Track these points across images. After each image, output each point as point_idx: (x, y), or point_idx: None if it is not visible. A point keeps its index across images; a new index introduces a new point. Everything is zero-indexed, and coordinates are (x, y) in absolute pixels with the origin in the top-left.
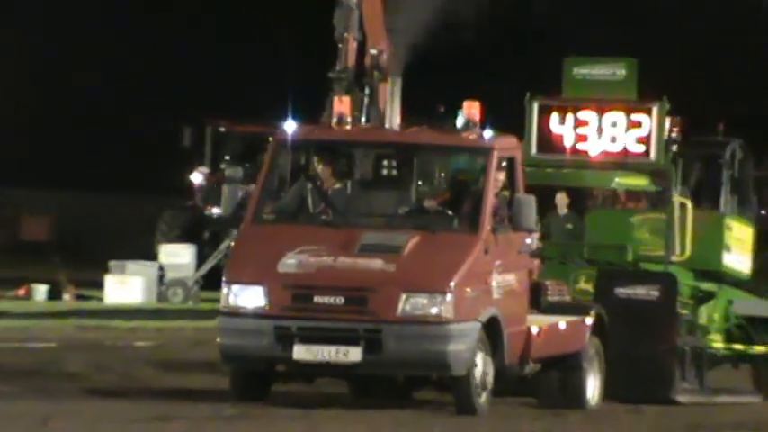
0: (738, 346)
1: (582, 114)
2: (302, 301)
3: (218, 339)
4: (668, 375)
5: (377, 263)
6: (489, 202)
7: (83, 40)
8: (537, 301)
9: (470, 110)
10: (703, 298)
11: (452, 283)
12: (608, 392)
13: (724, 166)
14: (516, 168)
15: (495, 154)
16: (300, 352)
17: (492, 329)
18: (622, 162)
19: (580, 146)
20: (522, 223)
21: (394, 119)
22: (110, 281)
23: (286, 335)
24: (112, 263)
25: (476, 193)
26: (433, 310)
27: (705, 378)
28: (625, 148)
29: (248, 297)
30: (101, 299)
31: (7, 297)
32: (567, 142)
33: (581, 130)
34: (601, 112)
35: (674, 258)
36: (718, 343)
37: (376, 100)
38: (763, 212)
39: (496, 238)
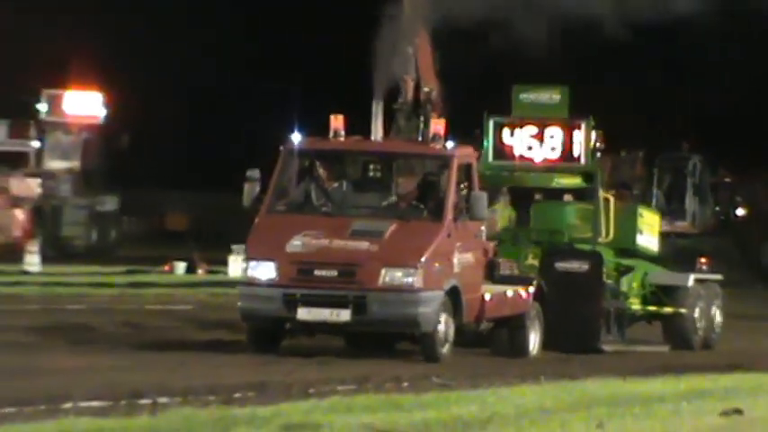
0: (652, 308)
1: (527, 129)
2: (305, 274)
3: (238, 303)
4: (595, 330)
5: (364, 244)
6: (451, 197)
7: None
8: (492, 274)
9: (437, 126)
10: (624, 271)
11: (422, 260)
12: (549, 345)
13: (688, 175)
14: (472, 171)
15: (455, 160)
16: (303, 313)
17: (453, 296)
18: (560, 166)
19: (527, 154)
20: (477, 214)
21: (377, 134)
22: (232, 259)
23: (292, 300)
24: (234, 246)
25: (440, 190)
26: (407, 281)
27: (625, 333)
28: (562, 155)
29: (262, 270)
30: (226, 273)
31: (155, 272)
32: (517, 151)
33: (527, 142)
34: (542, 127)
35: (600, 240)
36: (636, 305)
37: (428, 125)
38: (717, 209)
39: (457, 225)
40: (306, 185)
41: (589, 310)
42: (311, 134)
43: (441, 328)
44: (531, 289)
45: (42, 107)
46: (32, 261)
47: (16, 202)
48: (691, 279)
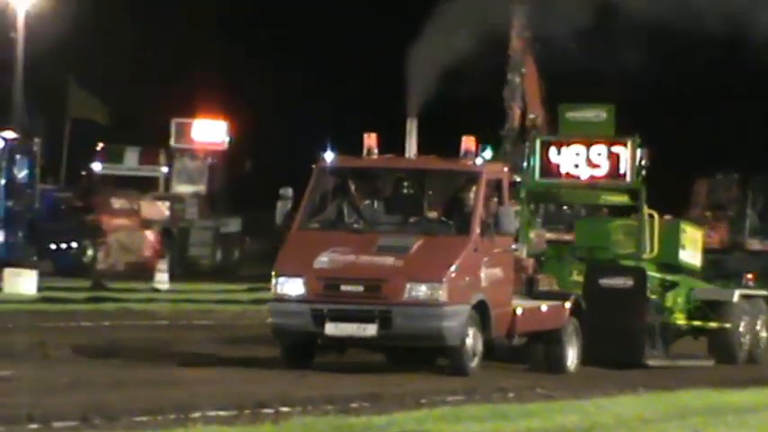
0: (697, 323)
1: (573, 147)
2: (332, 290)
3: (268, 319)
4: (640, 345)
5: (389, 260)
6: (478, 212)
7: None
8: (530, 289)
9: (467, 143)
10: (669, 286)
11: (447, 274)
12: (593, 360)
13: None
14: (503, 187)
15: (484, 177)
16: (330, 328)
17: (481, 310)
18: (605, 184)
19: (573, 172)
20: (504, 228)
21: (411, 151)
22: None
23: (319, 315)
24: None
25: (468, 206)
26: (432, 295)
27: (670, 347)
28: (607, 173)
29: (291, 286)
30: None
31: None
32: (563, 169)
33: (573, 160)
34: (588, 146)
35: (644, 256)
36: (681, 320)
37: (534, 150)
38: None
39: (484, 239)
40: (337, 203)
41: (633, 326)
42: (343, 152)
43: (468, 342)
44: (568, 304)
45: (172, 135)
46: (162, 279)
47: (147, 223)
48: (736, 294)
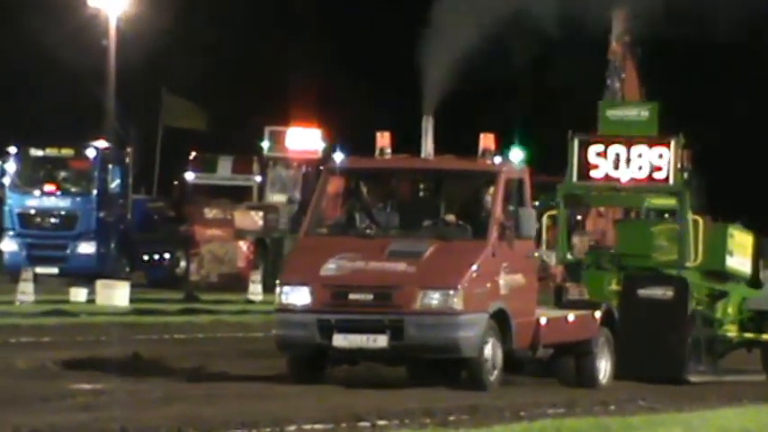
0: (749, 335)
1: (613, 148)
2: (339, 298)
3: (273, 331)
4: (681, 360)
5: (401, 266)
6: (496, 214)
7: None
8: (558, 299)
9: (486, 141)
10: (718, 296)
11: (462, 281)
12: (632, 375)
13: None
14: (524, 188)
15: (503, 177)
16: (339, 340)
17: (500, 319)
18: (647, 186)
19: (612, 173)
20: (523, 232)
21: (427, 150)
22: None
23: (327, 326)
24: None
25: (486, 208)
26: (446, 303)
27: (718, 361)
28: (649, 175)
29: (297, 296)
30: None
31: None
32: (602, 171)
33: (613, 161)
34: (629, 146)
35: (688, 264)
36: (731, 332)
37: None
38: None
39: (503, 244)
40: (347, 207)
41: (674, 340)
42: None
43: (487, 353)
44: (598, 314)
45: (265, 144)
46: (255, 290)
47: (240, 234)
48: None
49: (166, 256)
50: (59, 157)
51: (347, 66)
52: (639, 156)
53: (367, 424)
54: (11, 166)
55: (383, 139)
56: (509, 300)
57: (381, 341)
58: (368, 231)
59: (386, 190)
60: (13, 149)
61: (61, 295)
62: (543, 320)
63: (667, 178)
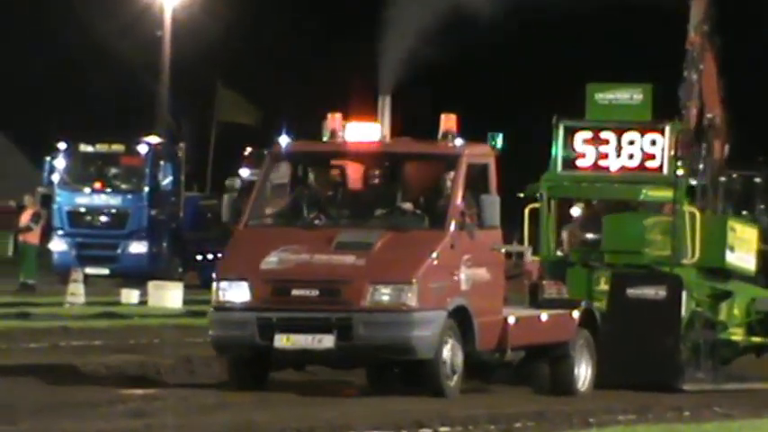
0: (757, 339)
1: (603, 134)
2: (281, 294)
3: (209, 332)
4: (674, 367)
5: (349, 258)
6: (457, 202)
7: None
8: (535, 297)
9: (447, 122)
10: (721, 296)
11: (416, 275)
12: (620, 382)
13: None
14: (489, 173)
15: (464, 160)
16: (280, 340)
17: (461, 318)
18: (639, 176)
19: (601, 162)
20: (487, 221)
21: (385, 132)
22: None
23: (267, 325)
24: None
25: (445, 195)
26: (399, 300)
27: (722, 368)
28: (641, 164)
29: (235, 292)
30: None
31: None
32: (590, 160)
33: (602, 149)
34: (620, 133)
35: (685, 261)
36: (737, 336)
37: (711, 152)
38: None
39: (464, 234)
40: (294, 195)
41: (668, 343)
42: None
43: (445, 355)
44: (577, 313)
45: (324, 137)
46: None
47: None
48: None
49: (220, 255)
50: (110, 153)
51: None
52: (631, 143)
53: (429, 431)
54: (60, 163)
55: (334, 121)
56: (471, 296)
57: (327, 342)
58: (315, 221)
59: (335, 176)
60: (62, 145)
61: (112, 297)
62: (512, 320)
63: (661, 167)
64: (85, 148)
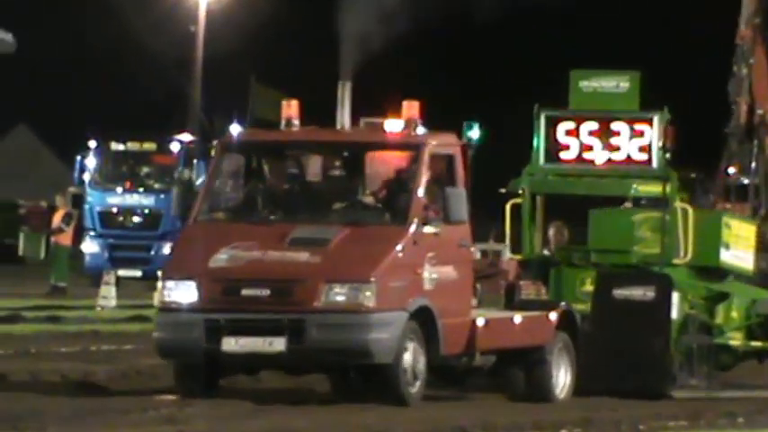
0: (757, 343)
1: (587, 125)
2: (230, 295)
3: (153, 334)
4: (662, 372)
5: (303, 255)
6: (419, 195)
7: None
8: (511, 298)
9: (410, 109)
10: (718, 298)
11: (374, 273)
12: (607, 387)
13: None
14: (455, 164)
15: (426, 150)
16: (229, 344)
17: (424, 319)
18: (626, 170)
19: (586, 155)
20: (452, 215)
21: (343, 121)
22: None
23: (215, 327)
24: None
25: (408, 187)
26: (355, 300)
27: (715, 374)
28: (628, 157)
29: (181, 292)
30: None
31: None
32: (574, 152)
33: (586, 141)
34: (605, 123)
35: (676, 261)
36: (736, 341)
37: (763, 149)
38: None
39: (430, 230)
40: (247, 187)
41: (657, 347)
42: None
43: (406, 359)
44: (554, 315)
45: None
46: None
47: None
48: None
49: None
50: (142, 151)
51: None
52: (617, 134)
53: None
54: (91, 162)
55: (290, 109)
56: (435, 296)
57: (278, 344)
58: (269, 216)
59: (291, 168)
60: (92, 143)
61: (144, 300)
62: (481, 322)
63: (650, 160)
64: (117, 146)
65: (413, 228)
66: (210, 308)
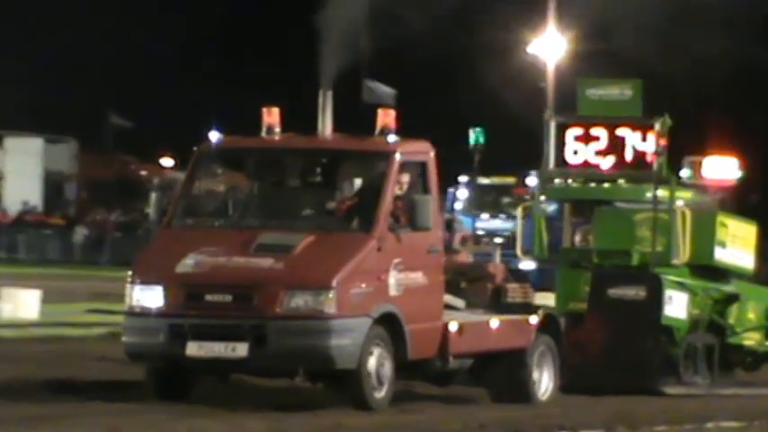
0: None
1: (594, 131)
2: (195, 300)
3: (122, 338)
4: (652, 369)
5: (267, 261)
6: (386, 202)
7: None
8: (497, 302)
9: (385, 118)
10: (729, 299)
11: (336, 280)
12: (601, 385)
13: None
14: (428, 172)
15: (396, 158)
16: (193, 349)
17: (390, 325)
18: (630, 174)
19: (593, 160)
20: (417, 222)
21: (325, 128)
22: None
23: (180, 332)
24: None
25: (377, 195)
26: (316, 306)
27: (721, 373)
28: (633, 161)
29: (148, 297)
30: None
31: None
32: (582, 157)
33: (594, 146)
34: (611, 129)
35: (675, 261)
36: (750, 341)
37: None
38: None
39: (396, 237)
40: (223, 193)
41: (647, 346)
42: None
43: (371, 365)
44: (534, 319)
45: (684, 172)
46: None
47: None
48: None
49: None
50: (502, 184)
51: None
52: (622, 139)
53: None
54: (462, 193)
55: (270, 116)
56: (402, 302)
57: (241, 350)
58: (239, 222)
59: (266, 174)
60: (463, 178)
61: None
62: (453, 326)
63: (652, 164)
64: (482, 180)
65: (378, 234)
66: (175, 313)
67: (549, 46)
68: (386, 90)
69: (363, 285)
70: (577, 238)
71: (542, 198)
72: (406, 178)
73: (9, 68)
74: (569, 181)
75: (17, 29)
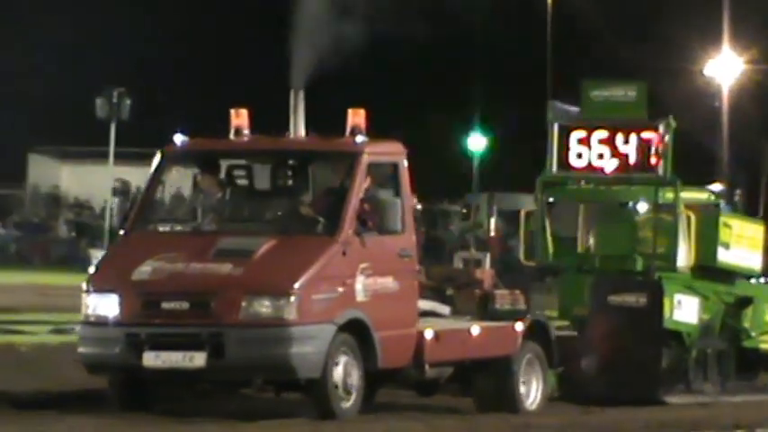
0: None
1: (598, 133)
2: (151, 308)
3: (78, 349)
4: (653, 377)
5: (225, 267)
6: (351, 205)
7: None
8: (485, 308)
9: (355, 117)
10: (742, 302)
11: (296, 285)
12: (601, 394)
13: None
14: (400, 173)
15: (364, 159)
16: (150, 359)
17: (358, 333)
18: (634, 176)
19: (597, 162)
20: (385, 225)
21: (298, 129)
22: None
23: (136, 342)
24: None
25: (344, 197)
26: (275, 313)
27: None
28: (636, 164)
29: (104, 306)
30: None
31: None
32: (585, 160)
33: (598, 148)
34: (614, 131)
35: (681, 265)
36: (766, 344)
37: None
38: None
39: (363, 240)
40: (186, 198)
41: (648, 353)
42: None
43: (337, 373)
44: (520, 326)
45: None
46: None
47: None
48: None
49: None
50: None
51: None
52: (625, 142)
53: None
54: None
55: (239, 118)
56: (371, 308)
57: (199, 360)
58: (201, 227)
59: (231, 177)
60: None
61: None
62: (429, 334)
63: (656, 167)
64: None
65: (342, 238)
66: (132, 322)
67: (724, 68)
68: (572, 109)
69: (327, 291)
70: (591, 242)
71: (550, 200)
72: (372, 180)
73: None
74: (582, 183)
75: None
